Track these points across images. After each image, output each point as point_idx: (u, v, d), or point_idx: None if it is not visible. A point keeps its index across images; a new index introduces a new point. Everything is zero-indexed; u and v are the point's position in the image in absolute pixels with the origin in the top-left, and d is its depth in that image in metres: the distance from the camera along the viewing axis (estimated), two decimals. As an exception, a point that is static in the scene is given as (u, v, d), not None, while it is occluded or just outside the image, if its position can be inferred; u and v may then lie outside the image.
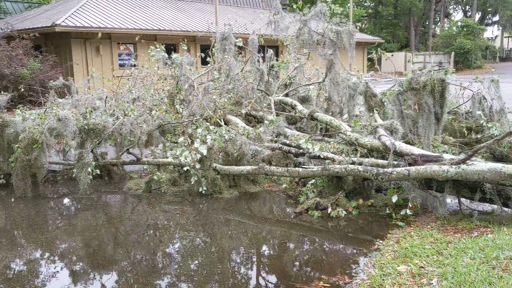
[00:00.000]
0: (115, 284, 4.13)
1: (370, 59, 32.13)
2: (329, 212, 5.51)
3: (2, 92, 8.04)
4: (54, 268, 4.49)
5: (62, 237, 5.32)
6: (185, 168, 6.61)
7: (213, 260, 4.57)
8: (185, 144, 7.08)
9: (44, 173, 6.72)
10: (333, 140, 7.42)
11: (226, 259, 4.62)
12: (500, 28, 58.74)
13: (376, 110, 7.44)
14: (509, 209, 5.16)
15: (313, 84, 9.99)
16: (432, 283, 3.55)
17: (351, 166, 5.67)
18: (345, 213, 5.54)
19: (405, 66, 37.15)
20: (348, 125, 7.47)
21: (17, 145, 6.53)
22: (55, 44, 17.96)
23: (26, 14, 23.74)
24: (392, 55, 36.67)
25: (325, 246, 4.93)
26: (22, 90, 10.56)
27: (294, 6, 8.18)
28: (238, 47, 10.17)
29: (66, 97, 9.06)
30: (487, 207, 5.55)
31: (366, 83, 7.41)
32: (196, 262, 4.53)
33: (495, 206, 5.28)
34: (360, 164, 5.94)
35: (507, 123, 7.74)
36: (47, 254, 4.86)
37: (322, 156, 6.44)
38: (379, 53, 8.52)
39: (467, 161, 5.02)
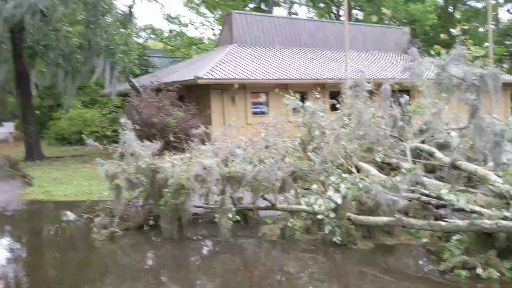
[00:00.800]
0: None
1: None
2: (478, 272, 5.01)
3: (152, 139, 8.98)
4: (198, 309, 4.75)
5: (203, 279, 5.63)
6: (319, 216, 6.60)
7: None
8: (319, 192, 7.10)
9: (188, 216, 7.24)
10: (479, 191, 6.83)
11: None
12: None
13: (531, 159, 6.71)
14: None
15: (452, 130, 9.40)
16: None
17: (503, 222, 5.14)
18: (498, 274, 4.99)
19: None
20: (496, 174, 6.83)
21: (166, 190, 7.17)
22: (196, 95, 19.66)
23: (172, 68, 26.52)
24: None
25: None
26: (172, 138, 11.65)
27: (432, 52, 7.92)
28: (368, 92, 10.09)
29: (207, 144, 9.77)
30: None
31: (518, 130, 6.76)
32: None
33: None
34: (514, 219, 5.35)
35: None
36: (191, 295, 5.16)
37: (467, 209, 5.94)
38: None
39: None
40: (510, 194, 6.00)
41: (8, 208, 10.26)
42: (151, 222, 7.86)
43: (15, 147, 24.65)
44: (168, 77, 21.37)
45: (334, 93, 17.87)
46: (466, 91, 6.95)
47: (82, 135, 21.50)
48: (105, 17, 15.87)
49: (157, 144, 8.52)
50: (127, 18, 17.81)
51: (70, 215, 9.89)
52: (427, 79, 8.51)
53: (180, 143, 11.45)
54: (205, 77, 17.99)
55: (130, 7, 17.91)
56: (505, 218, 5.43)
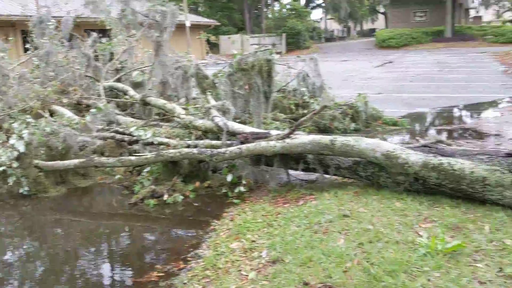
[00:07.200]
0: None
1: (208, 42, 32.46)
2: (165, 198, 5.37)
3: None
4: None
5: None
6: (0, 168, 5.82)
7: (42, 263, 4.12)
8: (0, 141, 6.25)
9: None
10: (168, 124, 7.27)
11: (58, 260, 4.21)
12: (324, 11, 64.31)
13: (209, 92, 7.47)
14: (329, 176, 5.60)
15: (147, 67, 9.64)
16: (262, 255, 3.67)
17: (186, 150, 5.59)
18: (182, 197, 5.46)
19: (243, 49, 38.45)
20: (183, 108, 7.38)
21: None
22: None
23: None
24: (229, 38, 37.64)
25: (162, 234, 4.81)
26: None
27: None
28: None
29: None
30: (312, 176, 5.94)
31: (197, 65, 7.38)
32: (24, 267, 4.02)
33: (318, 175, 5.68)
34: (195, 146, 5.89)
35: (327, 98, 8.47)
36: None
37: (156, 142, 6.23)
38: (205, 36, 8.57)
39: (291, 135, 5.31)
40: (192, 124, 6.58)
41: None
42: None
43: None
44: None
45: (26, 32, 15.94)
46: (150, 27, 7.10)
47: None
48: None
49: None
50: None
51: None
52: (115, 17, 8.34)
53: None
54: None
55: None
56: (188, 146, 5.93)
